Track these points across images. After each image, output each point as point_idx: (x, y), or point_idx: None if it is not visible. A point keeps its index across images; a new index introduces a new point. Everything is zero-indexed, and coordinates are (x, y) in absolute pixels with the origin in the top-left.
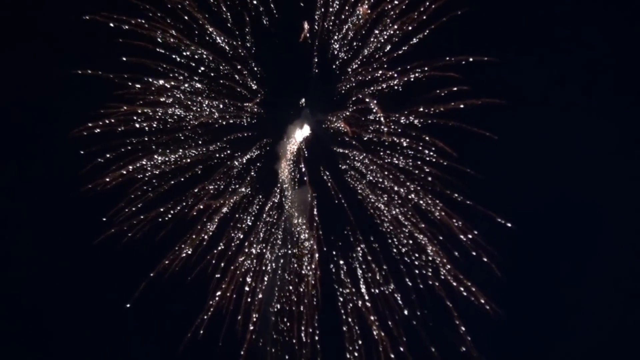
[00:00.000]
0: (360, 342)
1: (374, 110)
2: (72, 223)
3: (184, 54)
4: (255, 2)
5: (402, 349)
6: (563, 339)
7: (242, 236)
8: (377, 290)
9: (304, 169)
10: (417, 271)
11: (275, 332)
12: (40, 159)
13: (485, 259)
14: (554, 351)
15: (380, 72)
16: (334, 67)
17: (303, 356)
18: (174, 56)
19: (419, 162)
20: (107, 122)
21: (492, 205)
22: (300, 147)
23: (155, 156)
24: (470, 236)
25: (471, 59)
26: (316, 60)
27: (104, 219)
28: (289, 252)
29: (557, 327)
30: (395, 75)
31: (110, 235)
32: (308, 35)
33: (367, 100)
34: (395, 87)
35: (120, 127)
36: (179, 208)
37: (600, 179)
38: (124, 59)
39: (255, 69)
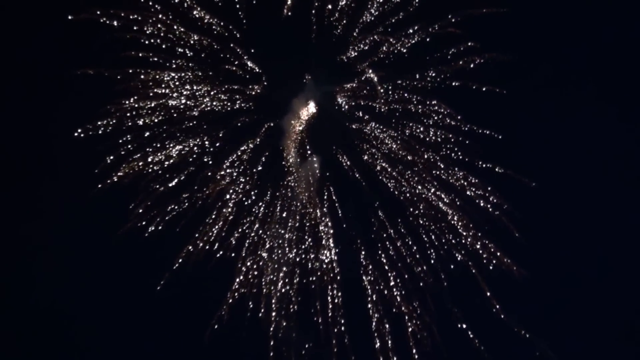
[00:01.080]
0: (385, 319)
1: (371, 79)
2: (92, 220)
3: (180, 42)
4: None
5: (427, 319)
6: (587, 296)
7: (260, 218)
8: (400, 263)
9: (309, 144)
10: (435, 240)
11: (299, 313)
12: (50, 160)
13: (505, 221)
14: (579, 308)
15: (382, 37)
16: (333, 39)
17: (331, 334)
18: (169, 44)
19: (434, 129)
20: (112, 119)
21: (511, 164)
22: (307, 122)
23: (164, 149)
24: (492, 198)
25: (482, 11)
26: (314, 35)
27: (124, 214)
28: (305, 230)
29: (582, 285)
30: (398, 40)
31: (131, 229)
32: (290, 11)
33: (365, 70)
34: (402, 52)
35: (127, 123)
36: (194, 198)
37: (617, 132)
38: (122, 54)
39: (253, 50)
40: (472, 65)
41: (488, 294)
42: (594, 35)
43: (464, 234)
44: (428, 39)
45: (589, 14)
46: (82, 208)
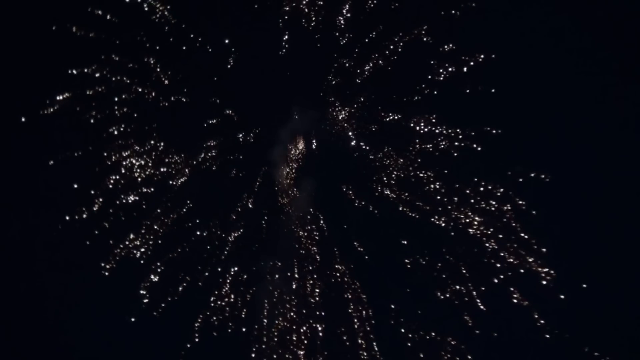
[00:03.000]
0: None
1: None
2: (102, 303)
3: (154, 106)
4: None
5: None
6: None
7: (275, 281)
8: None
9: (305, 182)
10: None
11: None
12: (48, 250)
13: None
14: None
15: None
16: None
17: None
18: (144, 112)
19: (434, 140)
20: (101, 199)
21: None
22: (299, 156)
23: (160, 219)
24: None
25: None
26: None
27: (134, 293)
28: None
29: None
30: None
31: (142, 308)
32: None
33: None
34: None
35: (120, 199)
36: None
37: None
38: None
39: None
40: (452, 69)
41: (524, 302)
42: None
43: (492, 246)
44: (404, 51)
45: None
46: (91, 290)
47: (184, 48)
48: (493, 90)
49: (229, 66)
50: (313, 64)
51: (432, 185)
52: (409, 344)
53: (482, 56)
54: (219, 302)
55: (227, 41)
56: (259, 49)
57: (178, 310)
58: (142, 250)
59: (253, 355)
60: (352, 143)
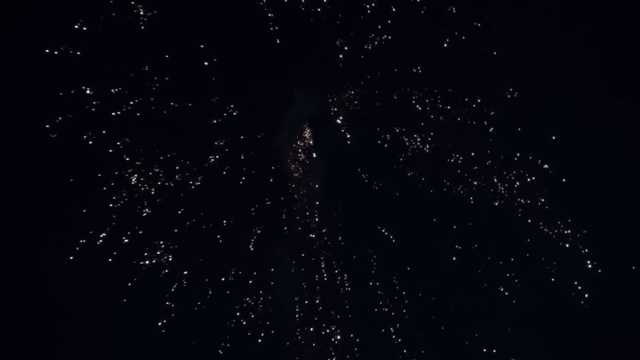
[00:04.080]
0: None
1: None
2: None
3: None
4: None
5: None
6: None
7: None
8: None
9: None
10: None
11: None
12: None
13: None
14: None
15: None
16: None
17: None
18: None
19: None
20: (113, 216)
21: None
22: (305, 141)
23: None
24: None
25: None
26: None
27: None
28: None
29: None
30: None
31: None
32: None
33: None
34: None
35: (137, 211)
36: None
37: None
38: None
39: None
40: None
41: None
42: None
43: (519, 216)
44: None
45: None
46: (122, 304)
47: (175, 52)
48: (495, 53)
49: (222, 63)
50: (309, 49)
51: (449, 159)
52: (443, 327)
53: (485, 17)
54: (246, 303)
55: (216, 40)
56: (250, 42)
57: (208, 315)
58: (166, 258)
59: (286, 352)
60: (357, 125)
